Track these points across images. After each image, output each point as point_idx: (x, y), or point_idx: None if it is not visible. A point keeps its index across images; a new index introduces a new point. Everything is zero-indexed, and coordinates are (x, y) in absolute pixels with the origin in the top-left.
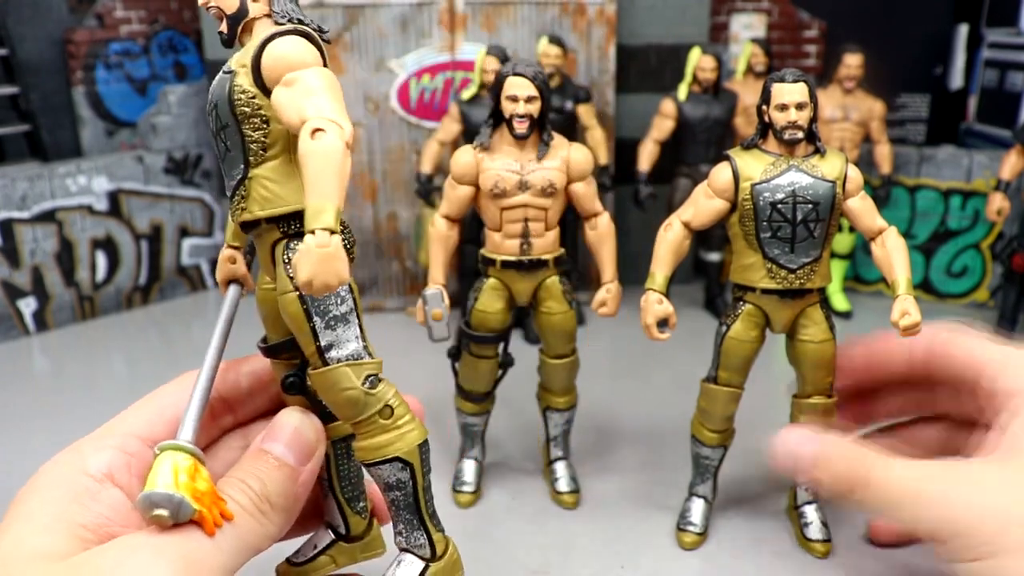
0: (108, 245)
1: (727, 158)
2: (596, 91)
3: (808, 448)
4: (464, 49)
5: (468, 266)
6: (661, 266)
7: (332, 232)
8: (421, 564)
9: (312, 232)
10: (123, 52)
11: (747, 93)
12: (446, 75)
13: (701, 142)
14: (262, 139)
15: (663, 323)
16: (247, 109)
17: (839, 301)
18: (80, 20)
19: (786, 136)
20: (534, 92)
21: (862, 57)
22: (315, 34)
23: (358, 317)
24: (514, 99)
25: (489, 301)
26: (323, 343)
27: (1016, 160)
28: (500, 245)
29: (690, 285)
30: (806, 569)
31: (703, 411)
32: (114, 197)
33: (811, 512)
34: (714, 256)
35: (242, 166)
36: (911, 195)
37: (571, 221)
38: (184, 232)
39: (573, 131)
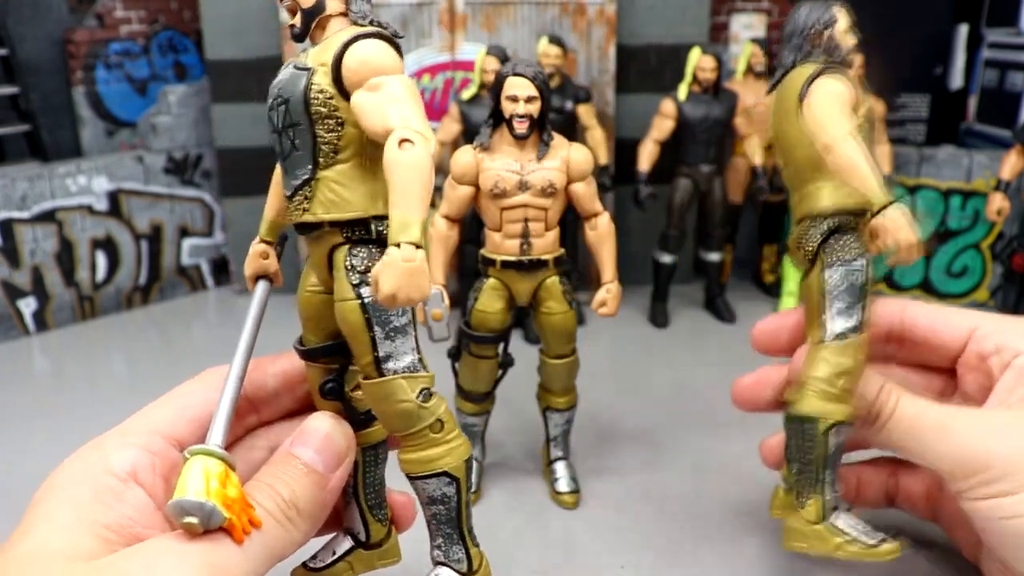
0: (108, 245)
1: (834, 78)
2: (596, 91)
3: None
4: (464, 49)
5: (468, 266)
6: (876, 175)
7: (418, 247)
8: None
9: (398, 245)
10: (123, 52)
11: (747, 93)
12: (446, 75)
13: (701, 142)
14: (335, 141)
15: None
16: (323, 110)
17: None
18: (80, 20)
19: (851, 56)
20: (534, 92)
21: (862, 57)
22: (394, 39)
23: (414, 329)
24: (514, 99)
25: (489, 301)
26: (381, 354)
27: (1016, 160)
28: (500, 245)
29: (690, 285)
30: (818, 562)
31: (851, 374)
32: (114, 197)
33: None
34: (714, 256)
35: (309, 167)
36: (911, 195)
37: (571, 221)
38: (184, 232)
39: (573, 131)
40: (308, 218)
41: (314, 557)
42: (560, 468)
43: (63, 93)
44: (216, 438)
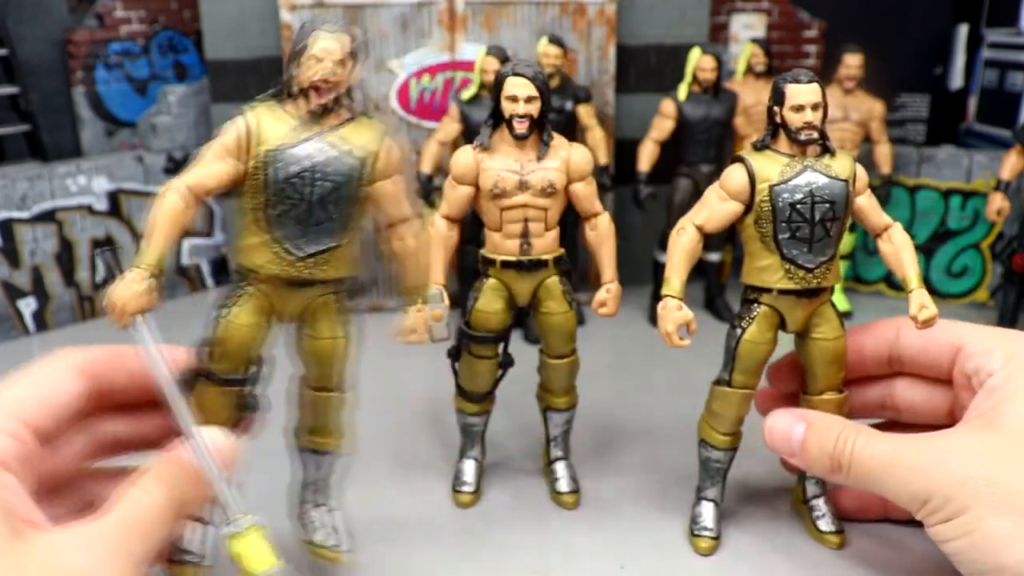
0: (108, 245)
1: (740, 160)
2: (596, 91)
3: (797, 429)
4: (464, 49)
5: (468, 266)
6: (677, 271)
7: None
8: None
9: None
10: (123, 52)
11: (747, 93)
12: (446, 75)
13: (701, 142)
14: (357, 217)
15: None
16: (365, 192)
17: (839, 301)
18: (80, 20)
19: (802, 137)
20: (534, 92)
21: (862, 57)
22: None
23: None
24: (514, 99)
25: (489, 301)
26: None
27: (1016, 160)
28: (500, 245)
29: (690, 285)
30: (819, 563)
31: (714, 414)
32: (114, 197)
33: (821, 504)
34: (714, 256)
35: (339, 235)
36: (911, 195)
37: (571, 222)
38: (184, 232)
39: (573, 131)
40: (323, 275)
41: None
42: (560, 468)
43: (63, 93)
44: (241, 507)
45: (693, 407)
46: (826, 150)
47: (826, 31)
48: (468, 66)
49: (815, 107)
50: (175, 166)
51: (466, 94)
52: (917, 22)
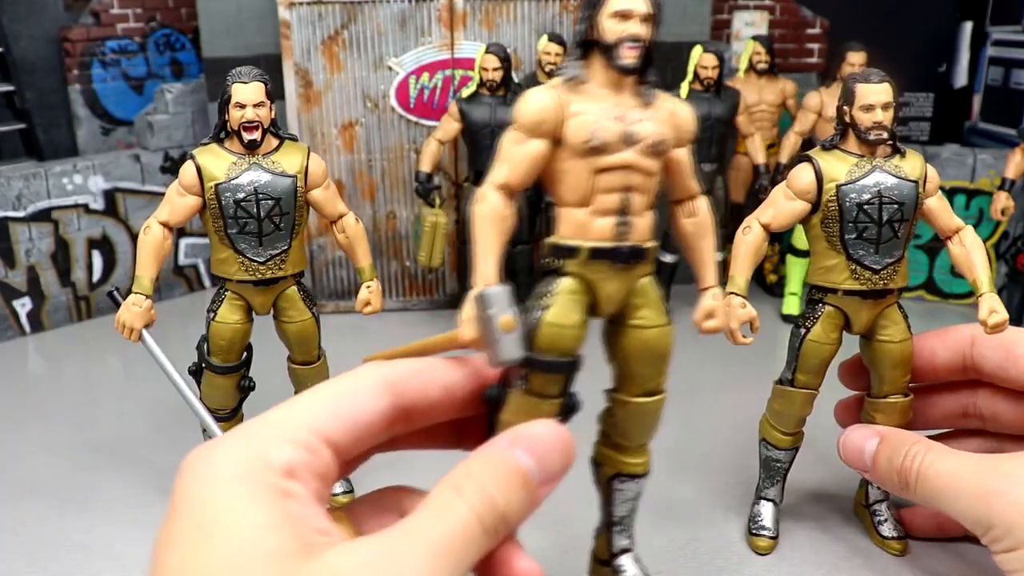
0: (104, 245)
1: (807, 159)
2: None
3: (870, 444)
4: (464, 47)
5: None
6: (742, 269)
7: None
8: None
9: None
10: (119, 50)
11: (749, 91)
12: (445, 73)
13: (703, 140)
14: (301, 222)
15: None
16: (302, 201)
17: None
18: (76, 18)
19: (872, 137)
20: (651, 9)
21: (865, 55)
22: None
23: None
24: (625, 16)
25: (565, 311)
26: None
27: (1021, 159)
28: (587, 226)
29: (692, 285)
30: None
31: (777, 414)
32: (110, 196)
33: (884, 509)
34: (716, 256)
35: (288, 240)
36: None
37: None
38: (181, 232)
39: None
40: (281, 273)
41: None
42: (629, 564)
43: (59, 91)
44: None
45: (694, 407)
46: (896, 150)
47: (829, 29)
48: (468, 64)
49: (885, 107)
50: (172, 165)
51: (466, 92)
52: (921, 19)
